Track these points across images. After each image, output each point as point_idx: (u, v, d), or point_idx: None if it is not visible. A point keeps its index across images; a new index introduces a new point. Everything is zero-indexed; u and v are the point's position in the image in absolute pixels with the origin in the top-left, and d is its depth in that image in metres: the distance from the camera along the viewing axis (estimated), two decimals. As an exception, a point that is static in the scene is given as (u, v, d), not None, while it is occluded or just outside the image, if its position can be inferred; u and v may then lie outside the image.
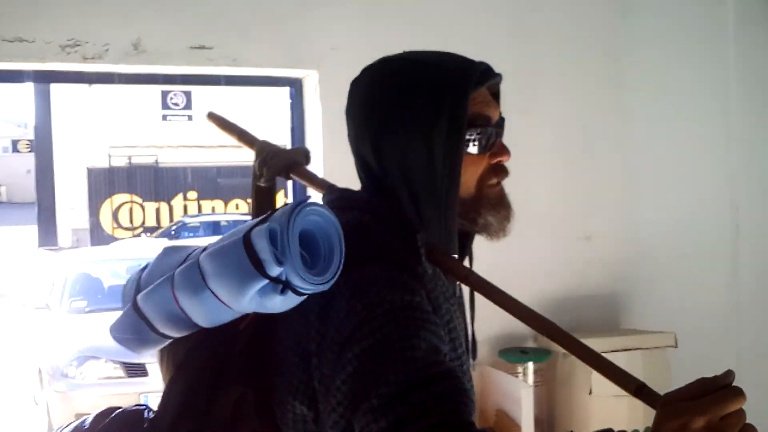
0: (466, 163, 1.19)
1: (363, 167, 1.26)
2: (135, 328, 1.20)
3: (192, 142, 22.37)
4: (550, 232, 3.85)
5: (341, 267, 1.12)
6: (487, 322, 3.76)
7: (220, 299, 1.12)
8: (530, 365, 3.86)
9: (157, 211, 20.37)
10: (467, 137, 1.18)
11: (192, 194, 20.24)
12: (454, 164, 1.17)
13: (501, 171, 1.23)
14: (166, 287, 1.16)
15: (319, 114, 3.42)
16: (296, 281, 1.09)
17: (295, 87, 3.56)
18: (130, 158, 20.62)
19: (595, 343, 1.26)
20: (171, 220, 19.76)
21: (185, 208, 20.08)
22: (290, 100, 3.62)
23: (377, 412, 0.98)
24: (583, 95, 3.92)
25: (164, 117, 23.44)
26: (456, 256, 1.24)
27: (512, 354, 3.84)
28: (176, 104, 23.53)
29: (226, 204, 20.42)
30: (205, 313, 1.14)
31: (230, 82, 3.46)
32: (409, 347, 1.02)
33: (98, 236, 19.39)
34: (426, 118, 1.17)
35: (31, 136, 33.39)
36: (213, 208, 20.00)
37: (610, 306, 4.05)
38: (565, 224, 3.92)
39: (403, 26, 3.49)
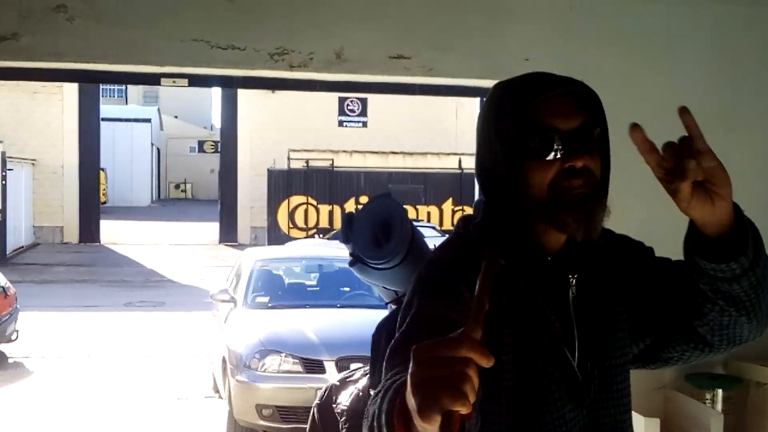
0: (534, 169, 1.32)
1: None
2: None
3: (366, 147, 22.93)
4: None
5: (397, 248, 1.50)
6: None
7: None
8: (719, 392, 3.68)
9: (331, 213, 20.99)
10: (530, 145, 1.32)
11: (364, 198, 20.72)
12: (512, 169, 1.32)
13: (574, 174, 1.31)
14: None
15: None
16: (360, 254, 1.50)
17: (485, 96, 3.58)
18: (307, 162, 21.37)
19: None
20: (343, 222, 20.31)
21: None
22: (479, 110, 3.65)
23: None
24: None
25: (341, 123, 24.17)
26: (549, 258, 1.38)
27: (700, 379, 3.67)
28: (352, 111, 24.20)
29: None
30: (377, 287, 1.68)
31: (424, 91, 3.53)
32: (407, 306, 1.31)
33: (275, 235, 20.20)
34: (493, 131, 1.36)
35: (216, 138, 35.39)
36: (383, 213, 20.38)
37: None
38: None
39: (598, 43, 3.43)
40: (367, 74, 3.33)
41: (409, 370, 0.94)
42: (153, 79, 3.31)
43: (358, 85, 3.46)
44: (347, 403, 1.71)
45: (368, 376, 1.70)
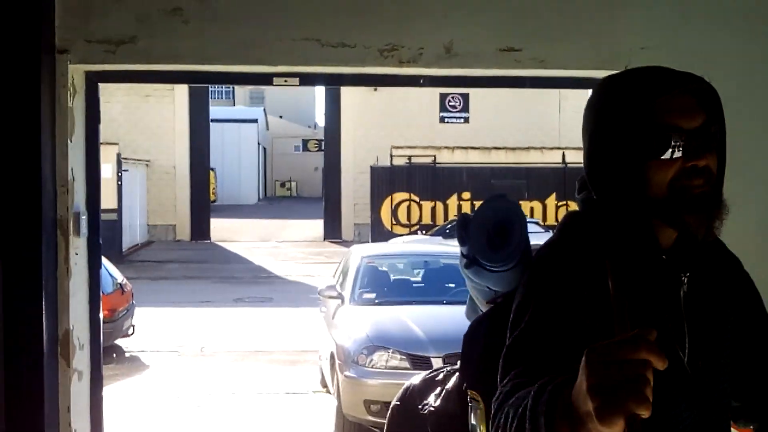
0: (655, 167, 1.31)
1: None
2: (473, 310, 1.67)
3: (468, 143, 22.80)
4: None
5: (517, 251, 1.48)
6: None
7: (465, 278, 1.57)
8: None
9: (433, 209, 20.97)
10: (653, 143, 1.30)
11: (466, 194, 20.61)
12: (634, 167, 1.31)
13: (695, 174, 1.30)
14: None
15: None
16: (479, 258, 1.48)
17: (600, 88, 3.48)
18: (410, 158, 21.41)
19: None
20: (446, 218, 20.26)
21: (459, 207, 20.49)
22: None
23: None
24: None
25: (442, 119, 24.12)
26: (664, 256, 1.36)
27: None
28: (454, 107, 24.11)
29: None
30: (476, 291, 1.60)
31: (535, 84, 3.46)
32: (521, 307, 1.35)
33: (378, 231, 20.32)
34: (613, 127, 1.34)
35: (320, 136, 35.92)
36: (487, 209, 20.20)
37: None
38: None
39: (715, 28, 3.28)
40: (477, 68, 3.28)
41: (583, 373, 0.92)
42: (265, 79, 3.36)
43: (467, 79, 3.41)
44: (436, 404, 1.67)
45: (456, 375, 1.66)
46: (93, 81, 3.33)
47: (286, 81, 3.31)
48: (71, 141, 3.18)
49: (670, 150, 1.30)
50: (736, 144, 3.27)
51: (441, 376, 1.76)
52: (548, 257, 1.39)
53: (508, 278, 1.48)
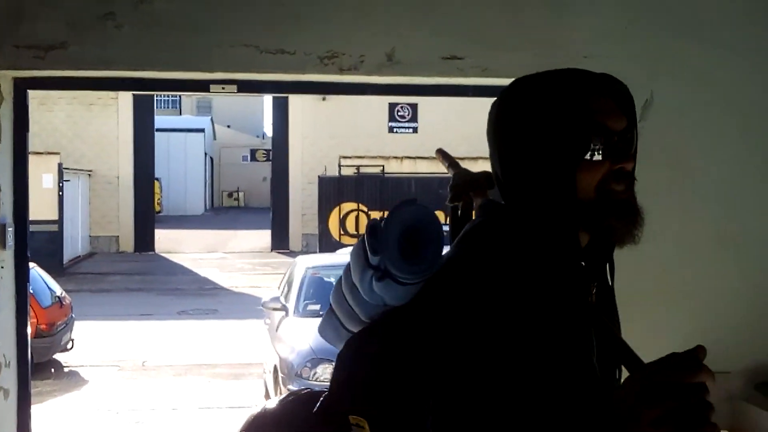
0: (584, 169, 1.26)
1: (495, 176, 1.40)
2: (333, 327, 1.44)
3: (416, 153, 22.84)
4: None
5: (435, 260, 1.31)
6: (740, 351, 3.45)
7: (358, 289, 1.33)
8: (794, 404, 3.49)
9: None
10: (583, 144, 1.26)
11: (415, 204, 20.61)
12: (566, 169, 1.26)
13: (623, 177, 1.28)
14: (339, 285, 1.41)
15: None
16: (391, 269, 1.28)
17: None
18: (358, 168, 21.36)
19: None
20: (394, 229, 20.24)
21: (407, 218, 20.46)
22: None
23: None
24: None
25: (391, 129, 24.13)
26: (582, 263, 1.31)
27: (773, 390, 3.49)
28: (402, 117, 24.14)
29: (446, 215, 20.54)
30: (358, 306, 1.36)
31: (478, 92, 3.41)
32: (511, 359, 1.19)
33: (326, 242, 20.20)
34: (543, 128, 1.27)
35: (268, 146, 35.65)
36: (434, 219, 20.26)
37: None
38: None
39: (660, 36, 3.28)
40: (420, 76, 3.23)
41: (636, 405, 0.89)
42: (202, 86, 3.26)
43: (410, 87, 3.36)
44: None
45: (321, 396, 1.36)
46: (21, 88, 3.20)
47: (223, 88, 3.22)
48: (-3, 149, 3.04)
49: (600, 151, 1.27)
50: (681, 151, 3.31)
51: (300, 398, 1.42)
52: (517, 282, 1.21)
53: (412, 291, 1.32)
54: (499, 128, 1.35)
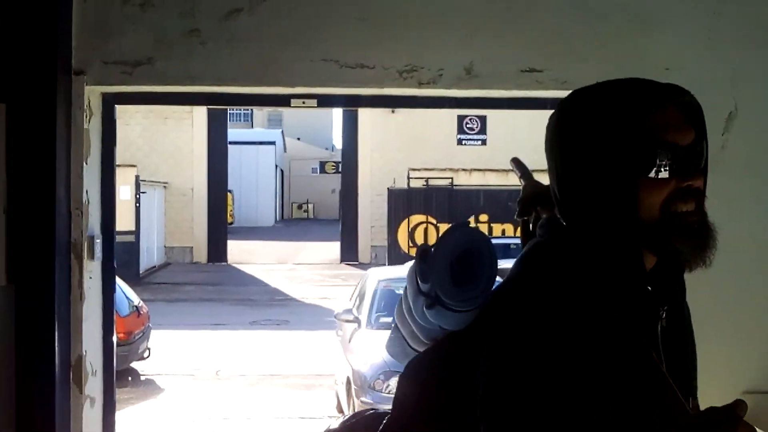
0: (647, 187, 1.18)
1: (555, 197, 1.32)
2: (399, 344, 1.41)
3: (485, 165, 22.72)
4: None
5: (489, 286, 1.23)
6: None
7: (414, 315, 1.29)
8: None
9: (451, 232, 20.85)
10: (647, 161, 1.18)
11: (483, 217, 20.46)
12: (627, 187, 1.18)
13: (691, 194, 1.20)
14: (400, 305, 1.37)
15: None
16: (442, 296, 1.22)
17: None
18: (427, 180, 21.33)
19: None
20: (463, 241, 20.13)
21: (477, 230, 20.32)
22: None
23: None
24: None
25: (460, 141, 24.05)
26: (649, 287, 1.22)
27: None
28: (471, 129, 24.05)
29: (515, 227, 20.42)
30: (417, 328, 1.31)
31: (556, 105, 3.38)
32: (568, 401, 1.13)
33: (395, 254, 20.20)
34: (602, 144, 1.19)
35: (337, 158, 35.99)
36: (503, 231, 20.06)
37: None
38: None
39: (740, 49, 3.21)
40: (498, 89, 3.22)
41: None
42: (282, 101, 3.31)
43: (489, 101, 3.35)
44: None
45: (385, 418, 1.38)
46: (109, 102, 3.30)
47: (303, 102, 3.27)
48: (86, 163, 3.14)
49: (665, 168, 1.19)
50: (755, 163, 3.21)
51: (364, 419, 1.47)
52: (574, 317, 1.14)
53: (469, 318, 1.25)
54: (556, 143, 1.28)
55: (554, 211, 1.43)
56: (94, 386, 3.26)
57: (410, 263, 1.36)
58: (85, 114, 3.11)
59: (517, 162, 1.70)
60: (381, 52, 3.13)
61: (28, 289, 2.91)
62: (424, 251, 1.26)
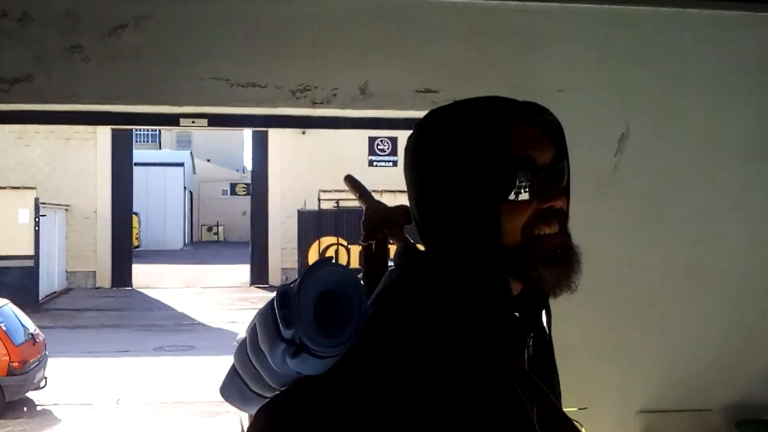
0: (508, 211, 1.12)
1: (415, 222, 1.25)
2: (237, 388, 1.23)
3: (396, 186, 22.85)
4: None
5: (359, 327, 1.11)
6: (720, 388, 3.39)
7: (268, 361, 1.13)
8: (775, 441, 3.44)
9: (361, 254, 20.84)
10: (503, 183, 1.11)
11: (394, 238, 20.57)
12: (488, 211, 1.11)
13: (551, 216, 1.13)
14: (244, 346, 1.20)
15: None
16: (308, 343, 1.08)
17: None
18: (338, 202, 21.32)
19: None
20: (374, 263, 20.16)
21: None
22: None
23: None
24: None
25: (371, 162, 24.16)
26: (516, 314, 1.17)
27: (753, 427, 3.44)
28: (382, 150, 24.20)
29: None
30: (267, 373, 1.15)
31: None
32: None
33: (306, 277, 20.08)
34: (460, 166, 1.13)
35: (248, 180, 35.58)
36: (415, 253, 20.24)
37: None
38: None
39: (633, 67, 3.27)
40: (394, 109, 3.19)
41: None
42: (171, 120, 3.20)
43: (384, 121, 3.32)
44: None
45: None
46: (-15, 121, 3.12)
47: (193, 122, 3.16)
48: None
49: (525, 189, 1.12)
50: (652, 185, 3.28)
51: None
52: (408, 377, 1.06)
53: (333, 362, 1.14)
54: (414, 165, 1.22)
55: (403, 233, 1.38)
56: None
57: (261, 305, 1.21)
58: (-44, 133, 2.92)
59: (352, 180, 1.60)
60: (273, 71, 3.06)
61: None
62: (285, 294, 1.12)
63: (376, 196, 1.60)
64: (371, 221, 1.46)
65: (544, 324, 1.26)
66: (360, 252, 1.46)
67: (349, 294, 1.15)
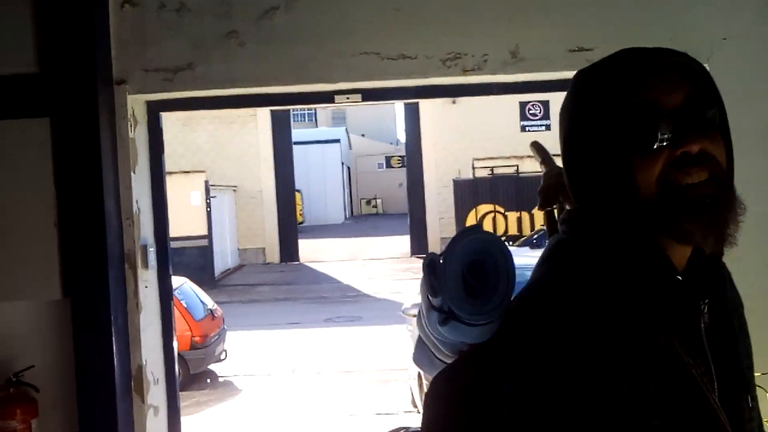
0: (638, 163, 1.04)
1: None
2: (425, 355, 1.28)
3: (550, 150, 22.31)
4: None
5: (507, 296, 1.12)
6: None
7: (430, 330, 1.18)
8: None
9: (519, 220, 20.61)
10: (630, 132, 1.04)
11: (553, 202, 20.16)
12: (616, 165, 1.05)
13: (690, 164, 1.02)
14: (420, 316, 1.24)
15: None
16: (456, 310, 1.11)
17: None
18: (492, 169, 21.13)
19: None
20: (532, 228, 19.86)
21: (548, 214, 20.02)
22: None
23: None
24: None
25: (523, 128, 23.74)
26: (679, 277, 1.08)
27: None
28: (534, 115, 23.71)
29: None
30: (439, 342, 1.19)
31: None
32: None
33: (465, 245, 20.07)
34: (585, 124, 1.09)
35: (402, 153, 35.94)
36: (575, 215, 19.78)
37: None
38: None
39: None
40: (547, 72, 3.11)
41: None
42: (326, 97, 3.26)
43: (536, 84, 3.23)
44: None
45: None
46: (154, 110, 3.30)
47: (348, 98, 3.21)
48: (134, 173, 3.14)
49: (653, 137, 1.04)
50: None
51: None
52: (560, 339, 1.01)
53: (491, 329, 1.12)
54: (560, 126, 1.19)
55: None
56: (156, 395, 3.27)
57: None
58: (129, 123, 3.11)
59: (537, 146, 1.59)
60: (422, 41, 3.06)
61: (83, 302, 2.93)
62: (432, 262, 1.13)
63: (530, 162, 1.59)
64: (545, 188, 1.45)
65: (720, 288, 1.15)
66: (543, 218, 1.46)
67: (497, 260, 1.16)
